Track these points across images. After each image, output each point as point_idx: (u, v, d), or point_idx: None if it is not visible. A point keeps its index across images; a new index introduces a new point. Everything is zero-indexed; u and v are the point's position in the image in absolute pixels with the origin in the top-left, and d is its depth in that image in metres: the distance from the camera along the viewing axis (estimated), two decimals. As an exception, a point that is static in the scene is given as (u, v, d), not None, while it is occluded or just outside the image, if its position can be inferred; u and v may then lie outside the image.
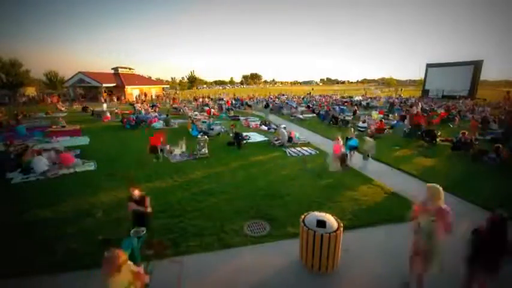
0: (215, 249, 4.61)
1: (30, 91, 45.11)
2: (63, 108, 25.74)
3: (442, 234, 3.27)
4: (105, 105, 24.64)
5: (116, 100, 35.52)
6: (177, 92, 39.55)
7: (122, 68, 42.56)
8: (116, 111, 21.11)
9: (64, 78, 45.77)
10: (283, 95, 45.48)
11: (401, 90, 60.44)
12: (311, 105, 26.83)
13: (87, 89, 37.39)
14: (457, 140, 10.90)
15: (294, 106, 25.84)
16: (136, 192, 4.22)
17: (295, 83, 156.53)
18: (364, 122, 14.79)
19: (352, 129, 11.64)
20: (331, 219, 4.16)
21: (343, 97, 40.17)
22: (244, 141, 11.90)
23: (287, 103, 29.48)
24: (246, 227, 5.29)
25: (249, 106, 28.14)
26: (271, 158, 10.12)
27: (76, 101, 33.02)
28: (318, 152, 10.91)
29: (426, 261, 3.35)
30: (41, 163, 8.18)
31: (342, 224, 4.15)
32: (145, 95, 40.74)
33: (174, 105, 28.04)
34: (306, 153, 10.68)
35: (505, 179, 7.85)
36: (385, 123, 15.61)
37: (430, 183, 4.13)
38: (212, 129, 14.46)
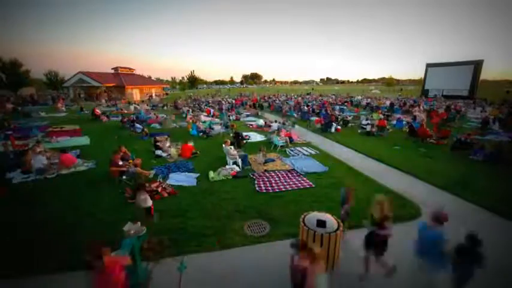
0: (215, 249, 4.62)
1: (30, 91, 45.10)
2: (63, 108, 25.73)
3: None
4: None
5: (103, 100, 33.25)
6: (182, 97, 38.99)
7: (122, 68, 42.60)
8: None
9: (64, 78, 45.81)
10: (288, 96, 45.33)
11: (402, 90, 60.44)
12: (310, 106, 26.80)
13: (87, 89, 37.37)
14: (457, 139, 10.94)
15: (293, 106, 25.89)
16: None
17: (295, 83, 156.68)
18: (367, 119, 14.81)
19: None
20: (331, 219, 4.15)
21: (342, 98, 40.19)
22: (245, 141, 11.86)
23: (287, 103, 29.53)
24: (246, 227, 5.29)
25: (250, 107, 28.12)
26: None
27: (76, 101, 32.96)
28: (318, 152, 10.92)
29: None
30: (38, 161, 8.16)
31: (342, 224, 4.15)
32: (151, 96, 39.96)
33: (175, 105, 28.04)
34: (306, 153, 10.70)
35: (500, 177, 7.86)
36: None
37: (429, 182, 4.12)
38: (212, 128, 14.47)
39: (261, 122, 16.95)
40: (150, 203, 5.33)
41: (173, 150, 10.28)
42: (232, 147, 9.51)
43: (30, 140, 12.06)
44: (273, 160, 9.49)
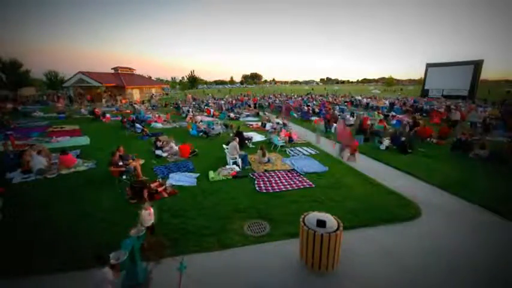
0: (215, 249, 4.62)
1: (30, 91, 45.08)
2: (63, 108, 25.70)
3: None
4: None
5: (103, 101, 33.18)
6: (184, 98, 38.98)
7: (122, 68, 42.55)
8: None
9: (64, 78, 45.78)
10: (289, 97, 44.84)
11: (401, 90, 60.44)
12: (311, 106, 26.79)
13: (87, 89, 37.31)
14: (456, 139, 10.94)
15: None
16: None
17: (295, 83, 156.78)
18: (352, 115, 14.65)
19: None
20: (331, 219, 4.15)
21: (343, 97, 40.19)
22: (247, 142, 11.76)
23: (288, 102, 29.53)
24: (246, 226, 5.29)
25: (250, 107, 28.12)
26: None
27: (76, 101, 32.92)
28: (318, 151, 10.92)
29: None
30: (37, 161, 8.17)
31: (342, 224, 4.15)
32: (151, 97, 39.59)
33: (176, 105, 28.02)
34: (306, 153, 10.70)
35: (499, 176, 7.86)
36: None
37: (429, 182, 4.11)
38: (213, 128, 14.45)
39: (269, 125, 16.45)
40: (152, 220, 4.72)
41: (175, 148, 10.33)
42: (237, 144, 9.42)
43: (30, 141, 12.07)
44: (272, 160, 9.48)
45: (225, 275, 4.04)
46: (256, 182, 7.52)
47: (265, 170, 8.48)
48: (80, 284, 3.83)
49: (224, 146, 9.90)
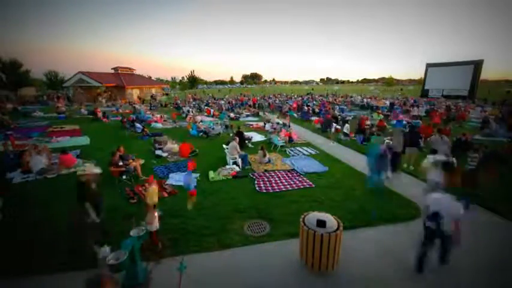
0: (215, 249, 4.61)
1: (31, 91, 45.06)
2: (63, 108, 25.69)
3: None
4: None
5: (103, 101, 33.64)
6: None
7: (122, 68, 42.52)
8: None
9: (64, 78, 45.78)
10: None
11: (401, 90, 60.45)
12: (311, 105, 26.80)
13: (87, 89, 37.31)
14: (456, 139, 10.93)
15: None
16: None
17: (295, 83, 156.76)
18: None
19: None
20: (331, 219, 4.15)
21: (343, 97, 40.20)
22: (247, 142, 11.72)
23: (287, 102, 29.56)
24: (246, 226, 5.29)
25: (250, 107, 28.12)
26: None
27: (76, 101, 32.91)
28: (318, 151, 10.92)
29: None
30: (38, 161, 8.16)
31: (342, 224, 4.14)
32: (153, 98, 39.65)
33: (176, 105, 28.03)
34: (306, 153, 10.70)
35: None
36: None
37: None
38: (213, 128, 14.44)
39: (269, 126, 16.45)
40: (156, 226, 4.37)
41: (175, 146, 10.32)
42: (237, 145, 9.43)
43: (30, 141, 12.07)
44: (272, 160, 9.48)
45: (225, 275, 4.04)
46: (256, 182, 7.52)
47: (265, 170, 8.48)
48: (80, 284, 3.82)
49: (224, 146, 9.90)
